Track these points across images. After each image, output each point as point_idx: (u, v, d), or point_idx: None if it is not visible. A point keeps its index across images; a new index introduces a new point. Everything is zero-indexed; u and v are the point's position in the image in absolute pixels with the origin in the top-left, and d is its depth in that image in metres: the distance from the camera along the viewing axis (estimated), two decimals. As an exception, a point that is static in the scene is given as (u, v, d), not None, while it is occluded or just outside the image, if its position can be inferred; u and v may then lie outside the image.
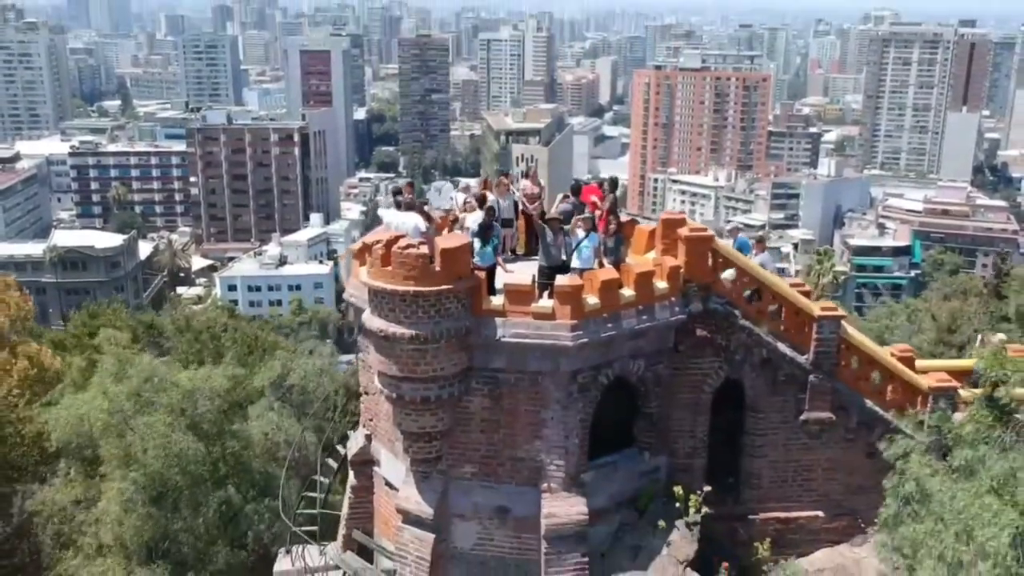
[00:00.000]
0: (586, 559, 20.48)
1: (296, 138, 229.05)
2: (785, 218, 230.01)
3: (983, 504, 14.90)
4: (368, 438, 23.64)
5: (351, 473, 24.67)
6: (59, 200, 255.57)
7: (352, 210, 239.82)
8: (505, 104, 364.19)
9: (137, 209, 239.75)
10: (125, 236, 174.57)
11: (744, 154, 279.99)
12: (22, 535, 35.50)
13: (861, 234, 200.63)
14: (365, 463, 23.82)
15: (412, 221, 20.36)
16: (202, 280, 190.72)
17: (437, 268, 18.95)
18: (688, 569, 20.78)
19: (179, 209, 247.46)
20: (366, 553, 24.11)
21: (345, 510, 24.75)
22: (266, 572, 32.41)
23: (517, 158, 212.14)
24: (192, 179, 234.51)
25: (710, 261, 21.63)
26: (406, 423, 20.11)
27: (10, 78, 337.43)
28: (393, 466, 22.18)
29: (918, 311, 64.65)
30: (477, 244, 20.49)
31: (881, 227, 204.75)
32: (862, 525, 22.81)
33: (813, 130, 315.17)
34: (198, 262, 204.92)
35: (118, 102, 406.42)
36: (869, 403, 22.56)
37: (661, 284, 20.69)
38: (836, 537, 23.20)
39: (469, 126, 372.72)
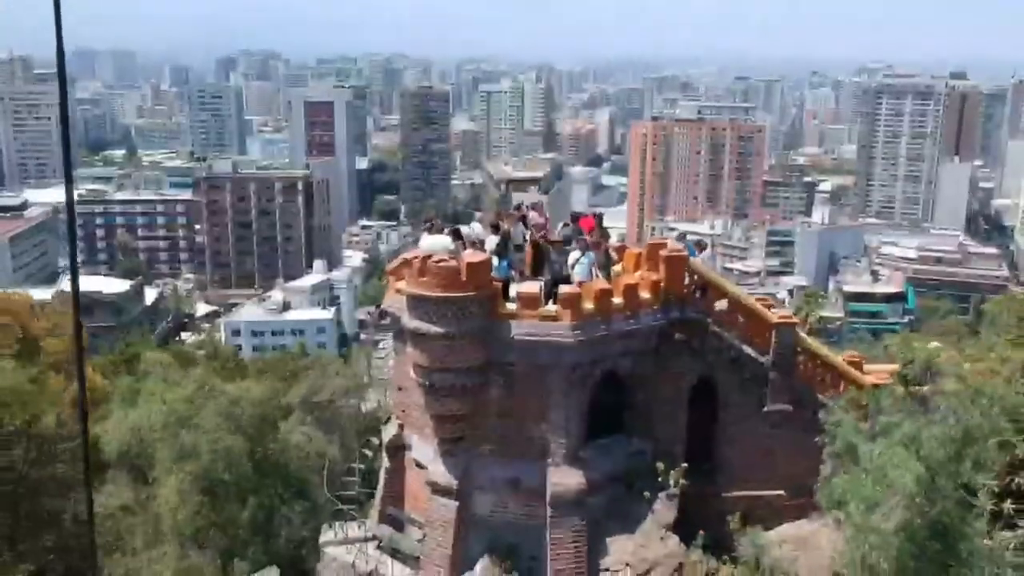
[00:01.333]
0: (584, 523, 24.60)
1: (300, 187, 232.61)
2: (780, 265, 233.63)
3: (894, 453, 18.95)
4: (400, 427, 27.79)
5: (385, 457, 28.69)
6: (65, 247, 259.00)
7: (354, 257, 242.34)
8: (505, 154, 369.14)
9: (142, 256, 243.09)
10: (132, 282, 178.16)
11: (740, 203, 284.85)
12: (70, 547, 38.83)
13: (855, 281, 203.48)
14: (398, 448, 27.91)
15: (442, 242, 24.74)
16: (205, 326, 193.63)
17: (463, 279, 23.23)
18: (668, 532, 24.85)
19: (183, 256, 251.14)
20: (398, 526, 28.03)
21: (380, 490, 28.76)
22: (294, 574, 36.11)
23: (516, 206, 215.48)
24: (197, 227, 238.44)
25: (686, 277, 25.93)
26: (435, 407, 24.43)
27: (19, 128, 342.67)
28: (423, 448, 26.32)
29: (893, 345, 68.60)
30: (495, 260, 24.81)
31: (875, 274, 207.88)
32: (818, 503, 26.72)
33: (808, 179, 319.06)
34: (202, 308, 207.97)
35: (124, 151, 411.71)
36: (822, 397, 26.69)
37: (645, 295, 24.99)
38: (797, 514, 27.11)
39: (469, 175, 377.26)
